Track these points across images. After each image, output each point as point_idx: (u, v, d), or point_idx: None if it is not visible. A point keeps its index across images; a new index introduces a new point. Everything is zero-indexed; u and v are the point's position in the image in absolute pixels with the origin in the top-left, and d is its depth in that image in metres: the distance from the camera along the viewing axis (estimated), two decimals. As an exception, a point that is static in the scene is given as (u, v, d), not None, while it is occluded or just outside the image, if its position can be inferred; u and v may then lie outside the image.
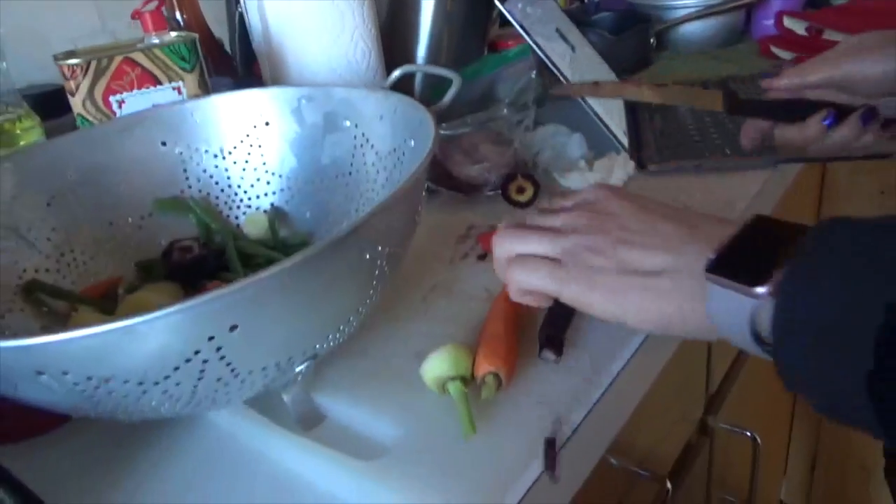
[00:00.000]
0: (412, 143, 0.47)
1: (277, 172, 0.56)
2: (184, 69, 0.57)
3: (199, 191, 0.56)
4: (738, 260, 0.30)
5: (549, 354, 0.42)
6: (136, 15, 0.56)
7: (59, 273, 0.49)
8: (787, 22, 1.01)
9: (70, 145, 0.51)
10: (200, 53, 0.58)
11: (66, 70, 0.53)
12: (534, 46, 0.64)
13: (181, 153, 0.55)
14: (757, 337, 0.30)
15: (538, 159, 0.71)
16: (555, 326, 0.43)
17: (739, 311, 0.29)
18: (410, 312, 0.50)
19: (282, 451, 0.40)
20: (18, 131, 0.54)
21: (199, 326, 0.29)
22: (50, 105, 0.61)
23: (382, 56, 0.76)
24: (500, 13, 0.70)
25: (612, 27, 0.99)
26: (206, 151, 0.56)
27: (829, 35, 0.95)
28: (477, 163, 0.67)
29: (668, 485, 0.58)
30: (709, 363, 0.73)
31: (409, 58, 0.88)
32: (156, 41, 0.56)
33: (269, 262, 0.50)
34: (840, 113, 0.52)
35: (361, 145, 0.53)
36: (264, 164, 0.56)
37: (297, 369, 0.36)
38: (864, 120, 0.50)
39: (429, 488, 0.35)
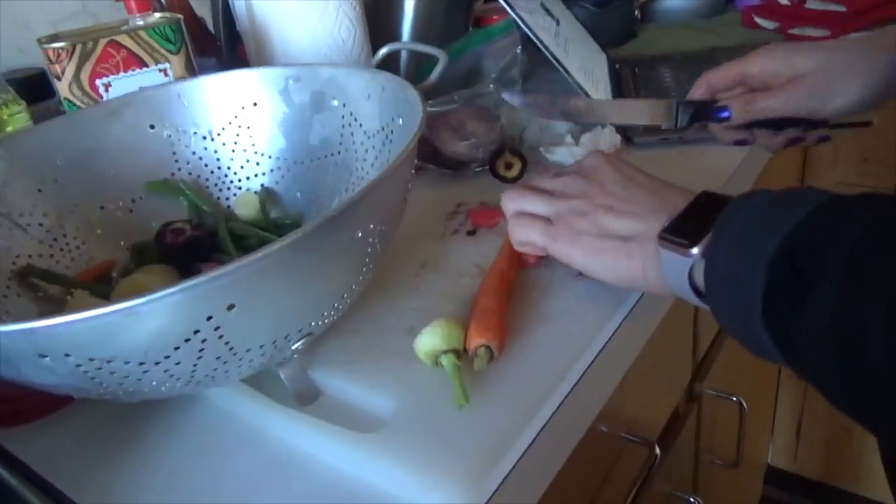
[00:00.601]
0: (400, 121, 0.47)
1: (267, 153, 0.57)
2: (169, 51, 0.57)
3: (190, 173, 0.56)
4: (683, 227, 0.36)
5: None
6: (120, -3, 0.55)
7: (53, 258, 0.49)
8: (771, -9, 1.01)
9: (58, 130, 0.51)
10: (186, 34, 0.58)
11: (51, 54, 0.53)
12: (517, 21, 0.65)
13: (170, 135, 0.55)
14: (697, 291, 0.36)
15: (525, 135, 0.71)
16: None
17: (681, 270, 0.35)
18: (402, 289, 0.51)
19: (280, 427, 0.41)
20: (5, 117, 0.54)
21: (198, 306, 0.30)
22: (34, 89, 0.60)
23: (368, 34, 0.76)
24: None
25: (597, 0, 0.98)
26: (195, 133, 0.56)
27: (811, 4, 0.95)
28: (464, 139, 0.68)
29: (657, 450, 0.60)
30: (695, 331, 0.74)
31: (395, 35, 0.87)
32: (140, 23, 0.55)
33: (262, 242, 0.51)
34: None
35: (350, 124, 0.53)
36: (253, 144, 0.57)
37: (294, 347, 0.37)
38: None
39: (426, 457, 0.36)
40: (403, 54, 0.84)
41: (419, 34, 0.88)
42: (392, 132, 0.49)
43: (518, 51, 0.73)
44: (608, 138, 0.68)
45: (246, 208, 0.55)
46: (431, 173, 0.69)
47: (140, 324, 0.29)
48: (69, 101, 0.55)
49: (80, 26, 0.59)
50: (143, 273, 0.48)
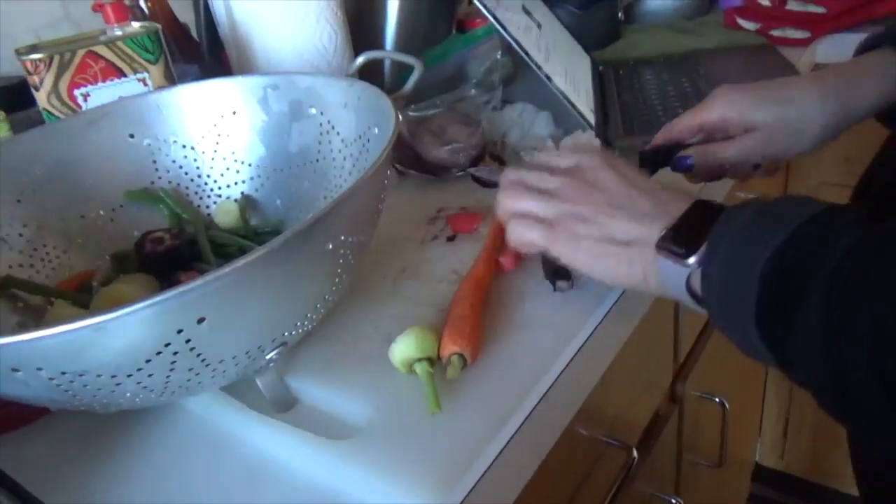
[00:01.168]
0: (376, 130, 0.48)
1: (246, 161, 0.57)
2: (148, 60, 0.57)
3: (170, 182, 0.57)
4: (680, 236, 0.37)
5: (563, 284, 0.47)
6: (98, 7, 0.55)
7: (34, 268, 0.50)
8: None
9: (37, 140, 0.52)
10: (164, 44, 0.58)
11: (28, 65, 0.53)
12: (496, 25, 0.65)
13: (149, 144, 0.56)
14: (696, 297, 0.37)
15: (506, 139, 0.72)
16: (555, 262, 0.46)
17: (679, 277, 0.37)
18: (380, 295, 0.51)
19: (256, 433, 0.41)
20: (-16, 127, 0.54)
21: (167, 320, 0.30)
22: (14, 98, 0.60)
23: (350, 39, 0.77)
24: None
25: (580, 2, 0.99)
26: (175, 142, 0.56)
27: (791, 6, 0.96)
28: (445, 144, 0.68)
29: (635, 453, 0.60)
30: (676, 332, 0.75)
31: (378, 40, 0.88)
32: (119, 33, 0.56)
33: (242, 251, 0.52)
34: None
35: (328, 132, 0.53)
36: (233, 153, 0.57)
37: (268, 357, 0.38)
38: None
39: (398, 465, 0.36)
40: (387, 60, 0.84)
41: (402, 39, 0.88)
42: (369, 140, 0.49)
43: (498, 55, 0.74)
44: (588, 142, 0.69)
45: (226, 216, 0.56)
46: (413, 178, 0.69)
47: (110, 338, 0.30)
48: (48, 111, 0.55)
49: (61, 35, 0.59)
50: (122, 283, 0.49)
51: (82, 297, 0.49)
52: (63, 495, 0.39)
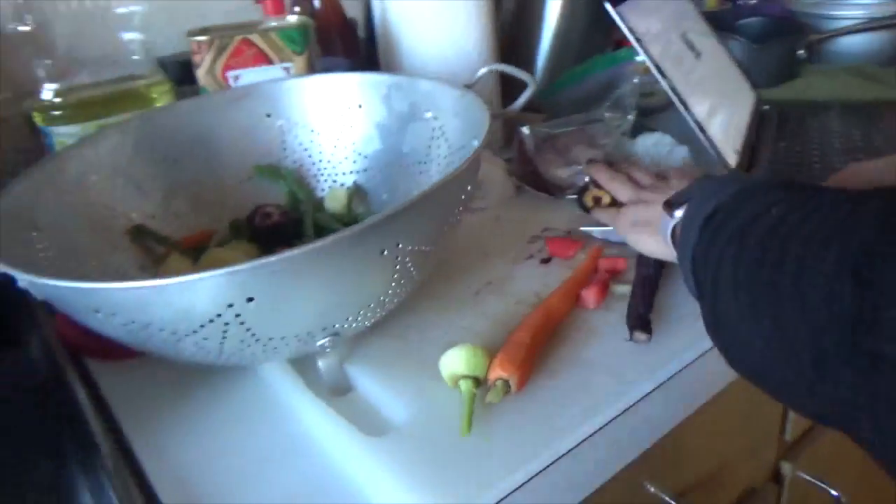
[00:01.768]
0: (475, 142, 0.48)
1: (363, 153, 0.60)
2: (294, 52, 0.62)
3: (294, 161, 0.61)
4: (677, 198, 0.44)
5: (641, 336, 0.45)
6: (259, 0, 0.61)
7: (164, 221, 0.56)
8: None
9: (188, 110, 0.58)
10: (312, 39, 0.63)
11: (194, 46, 0.60)
12: (635, 43, 0.62)
13: (281, 125, 0.60)
14: (674, 243, 0.44)
15: (631, 168, 0.69)
16: (642, 307, 0.47)
17: (667, 229, 0.44)
18: (458, 303, 0.52)
19: (304, 412, 0.43)
20: (154, 95, 0.62)
21: (218, 294, 0.33)
22: (186, 72, 0.68)
23: (497, 48, 0.77)
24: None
25: (758, 35, 0.92)
26: (304, 126, 0.61)
27: None
28: (566, 165, 0.67)
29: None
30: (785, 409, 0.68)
31: (532, 50, 0.88)
32: (273, 24, 0.61)
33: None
34: None
35: (438, 137, 0.55)
36: (353, 143, 0.60)
37: (319, 343, 0.40)
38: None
39: (419, 473, 0.37)
40: (539, 64, 0.85)
41: (556, 51, 0.88)
42: (469, 152, 0.50)
43: (635, 80, 0.71)
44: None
45: (334, 202, 0.59)
46: (530, 194, 0.69)
47: (168, 300, 0.33)
48: (204, 87, 0.62)
49: (247, 18, 0.65)
50: (228, 248, 0.54)
51: (197, 253, 0.55)
52: (138, 424, 0.44)
